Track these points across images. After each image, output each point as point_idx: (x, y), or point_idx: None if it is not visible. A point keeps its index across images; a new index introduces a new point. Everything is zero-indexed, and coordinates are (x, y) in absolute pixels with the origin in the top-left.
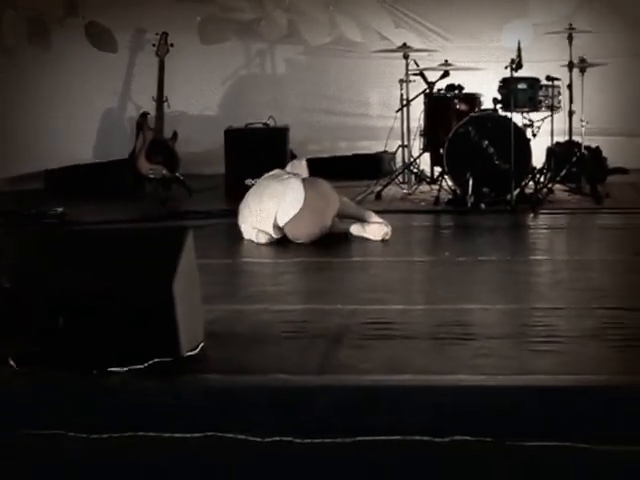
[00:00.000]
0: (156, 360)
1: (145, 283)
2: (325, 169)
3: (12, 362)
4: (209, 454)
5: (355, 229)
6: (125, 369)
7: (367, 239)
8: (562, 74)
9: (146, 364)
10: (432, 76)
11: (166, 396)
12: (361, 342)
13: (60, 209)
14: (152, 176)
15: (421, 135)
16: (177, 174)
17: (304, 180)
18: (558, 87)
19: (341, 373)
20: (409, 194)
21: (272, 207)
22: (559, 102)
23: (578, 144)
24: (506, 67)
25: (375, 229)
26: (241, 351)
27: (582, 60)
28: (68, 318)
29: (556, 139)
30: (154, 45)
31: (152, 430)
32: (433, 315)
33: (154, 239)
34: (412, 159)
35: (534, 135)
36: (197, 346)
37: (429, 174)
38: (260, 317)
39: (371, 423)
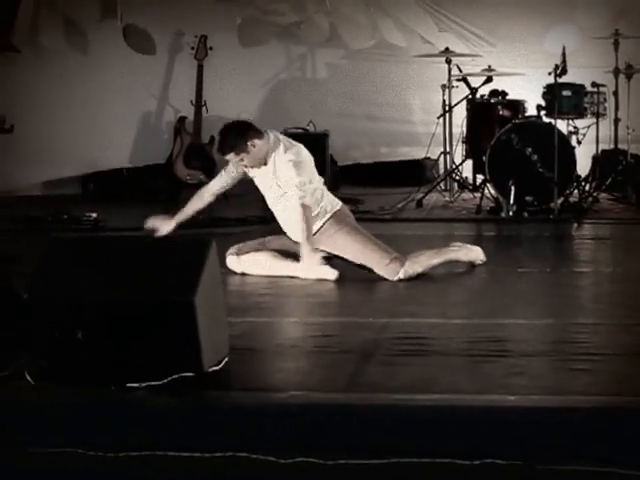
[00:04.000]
0: (177, 376)
1: (166, 295)
2: (366, 175)
3: (28, 377)
4: (230, 475)
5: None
6: (144, 385)
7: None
8: (608, 80)
9: (166, 380)
10: (475, 81)
11: (186, 414)
12: (391, 358)
13: (94, 215)
14: (190, 181)
15: (463, 142)
16: None
17: None
18: (604, 94)
19: (369, 391)
20: (451, 202)
21: None
22: (605, 109)
23: (624, 152)
24: (550, 73)
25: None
26: (267, 367)
27: (629, 66)
28: (87, 331)
29: (602, 147)
30: (193, 48)
31: (170, 449)
32: (467, 330)
33: (177, 249)
34: (454, 166)
35: (579, 142)
36: (221, 361)
37: (471, 181)
38: (288, 331)
39: (398, 444)
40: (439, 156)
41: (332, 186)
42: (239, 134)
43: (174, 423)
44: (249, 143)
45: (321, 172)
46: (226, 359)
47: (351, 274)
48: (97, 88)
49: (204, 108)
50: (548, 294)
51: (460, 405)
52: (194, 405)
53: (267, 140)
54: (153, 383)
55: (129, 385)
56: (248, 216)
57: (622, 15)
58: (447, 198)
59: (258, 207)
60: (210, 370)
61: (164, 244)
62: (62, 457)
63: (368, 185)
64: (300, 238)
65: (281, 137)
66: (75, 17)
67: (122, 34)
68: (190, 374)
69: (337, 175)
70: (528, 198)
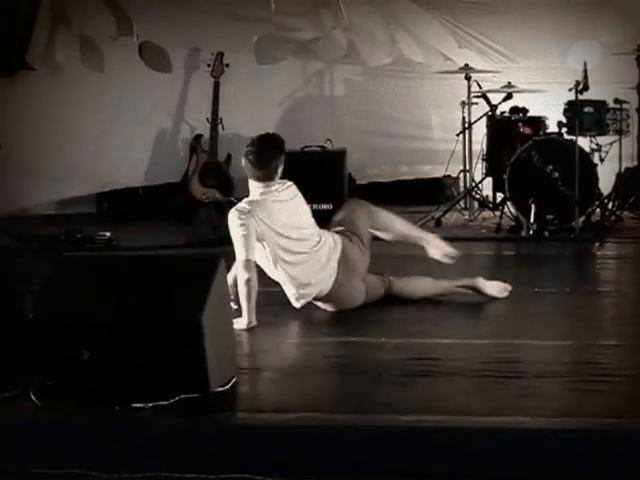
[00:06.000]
0: (183, 396)
1: (173, 314)
2: (385, 194)
3: (33, 396)
4: None
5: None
6: (150, 405)
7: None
8: (631, 97)
9: (172, 400)
10: (495, 98)
11: (192, 435)
12: (403, 379)
13: (107, 234)
14: (205, 200)
15: (483, 159)
16: (231, 198)
17: None
18: (627, 110)
19: (379, 412)
20: (470, 220)
21: None
22: (628, 126)
23: None
24: (571, 89)
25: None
26: (276, 387)
27: None
28: (92, 350)
29: (625, 164)
30: (209, 65)
31: (175, 471)
32: (481, 351)
33: (185, 267)
34: (474, 184)
35: (601, 160)
36: (228, 382)
37: (491, 200)
38: (299, 350)
39: (407, 466)
40: (459, 174)
41: None
42: None
43: (179, 444)
44: None
45: (339, 191)
46: (234, 379)
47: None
48: (113, 105)
49: (220, 126)
50: (566, 314)
51: (469, 427)
52: (200, 426)
53: None
54: (159, 403)
55: (135, 405)
56: None
57: None
58: (467, 217)
59: None
60: (217, 390)
61: (172, 262)
62: (66, 478)
63: (387, 204)
64: None
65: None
66: (91, 34)
67: (138, 51)
68: (196, 395)
69: (355, 194)
70: (549, 217)
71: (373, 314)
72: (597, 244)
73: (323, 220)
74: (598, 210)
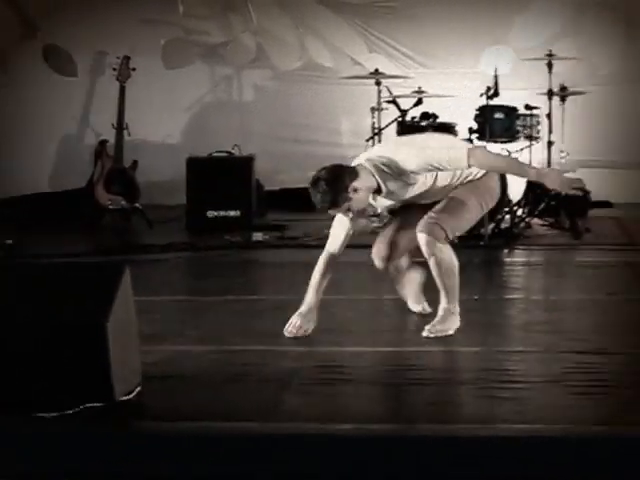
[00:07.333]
0: (87, 405)
1: (77, 322)
2: (294, 200)
3: None
4: None
5: None
6: (53, 414)
7: None
8: (542, 103)
9: (77, 409)
10: (405, 104)
11: (95, 444)
12: (308, 387)
13: (9, 241)
14: (111, 207)
15: None
16: (137, 205)
17: None
18: (537, 116)
19: (285, 420)
20: (379, 227)
21: None
22: (538, 132)
23: None
24: (481, 95)
25: None
26: (181, 396)
27: (562, 88)
28: None
29: None
30: (115, 69)
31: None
32: (388, 358)
33: (90, 275)
34: None
35: None
36: (133, 390)
37: None
38: (206, 359)
39: (314, 473)
40: None
41: (258, 212)
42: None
43: (83, 454)
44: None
45: (247, 197)
46: (138, 388)
47: (274, 302)
48: (16, 110)
49: (126, 131)
50: (474, 321)
51: (379, 435)
52: (103, 435)
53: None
54: (62, 413)
55: (37, 415)
56: (173, 243)
57: (556, 37)
58: (375, 224)
59: (183, 234)
60: (121, 400)
61: (76, 270)
62: None
63: (296, 210)
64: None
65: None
66: None
67: (42, 55)
68: (101, 404)
69: (264, 200)
70: None
71: (279, 323)
72: (506, 251)
73: (231, 228)
74: (507, 217)
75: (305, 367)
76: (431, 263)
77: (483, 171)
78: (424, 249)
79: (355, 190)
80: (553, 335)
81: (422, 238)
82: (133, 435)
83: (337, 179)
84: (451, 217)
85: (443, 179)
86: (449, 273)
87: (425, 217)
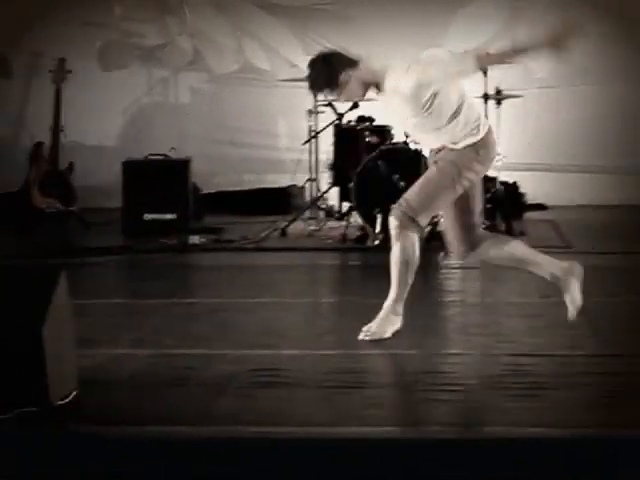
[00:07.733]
0: (22, 409)
1: (12, 326)
2: (230, 204)
3: None
4: None
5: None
6: None
7: None
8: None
9: (11, 414)
10: (342, 107)
11: (31, 448)
12: (246, 391)
13: None
14: (46, 210)
15: (330, 168)
16: (73, 208)
17: None
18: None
19: (222, 424)
20: (317, 231)
21: None
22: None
23: (493, 179)
24: None
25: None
26: (117, 400)
27: (498, 91)
28: None
29: None
30: (50, 71)
31: None
32: (324, 361)
33: (25, 278)
34: (319, 194)
35: None
36: (69, 394)
37: (338, 209)
38: (143, 363)
39: (250, 477)
40: (305, 183)
41: (195, 214)
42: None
43: (19, 458)
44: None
45: (183, 200)
46: (75, 392)
47: (212, 305)
48: None
49: (62, 133)
50: (411, 324)
51: (316, 437)
52: (39, 440)
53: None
54: None
55: None
56: (109, 246)
57: (493, 40)
58: (313, 227)
59: (119, 237)
60: (57, 404)
61: (11, 273)
62: None
63: (232, 213)
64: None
65: None
66: None
67: None
68: (36, 408)
69: (200, 203)
70: None
71: (217, 326)
72: (442, 254)
73: (168, 231)
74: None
75: (243, 371)
76: (393, 249)
77: (484, 132)
78: (392, 233)
79: (349, 77)
80: (489, 337)
81: (391, 222)
82: (69, 437)
83: (335, 61)
84: (422, 203)
85: (448, 117)
86: (407, 265)
87: (399, 200)
